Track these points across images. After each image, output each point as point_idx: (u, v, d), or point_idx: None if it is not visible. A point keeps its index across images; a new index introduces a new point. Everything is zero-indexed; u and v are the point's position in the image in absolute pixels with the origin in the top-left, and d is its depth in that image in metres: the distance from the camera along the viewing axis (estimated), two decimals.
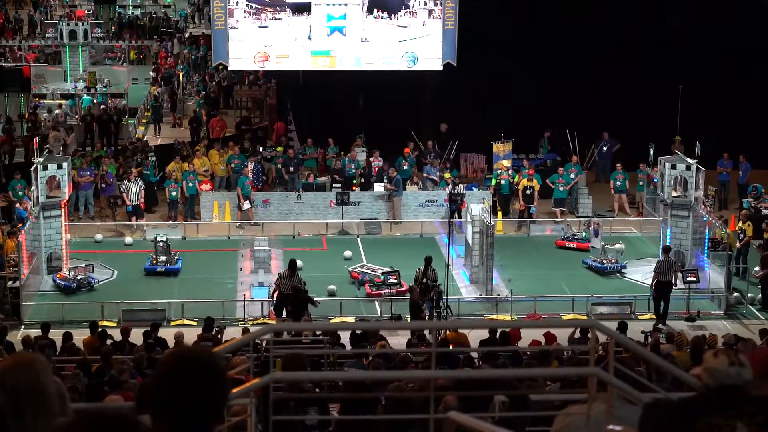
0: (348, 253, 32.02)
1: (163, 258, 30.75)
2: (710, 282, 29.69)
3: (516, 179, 35.78)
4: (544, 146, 39.33)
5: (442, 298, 26.41)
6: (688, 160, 30.89)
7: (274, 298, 26.90)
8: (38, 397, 4.36)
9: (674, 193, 30.79)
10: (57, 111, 41.99)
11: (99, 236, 33.61)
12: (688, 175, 30.54)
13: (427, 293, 26.85)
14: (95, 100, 43.11)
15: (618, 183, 36.36)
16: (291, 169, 36.94)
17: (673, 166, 30.87)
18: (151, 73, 49.25)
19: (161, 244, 30.97)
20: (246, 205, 34.63)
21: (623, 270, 31.07)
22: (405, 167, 37.10)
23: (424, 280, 27.08)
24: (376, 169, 36.44)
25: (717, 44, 38.14)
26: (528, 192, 34.99)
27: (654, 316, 27.15)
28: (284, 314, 26.32)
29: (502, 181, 35.66)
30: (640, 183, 36.55)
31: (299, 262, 28.24)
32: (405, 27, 37.17)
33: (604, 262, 31.15)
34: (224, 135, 40.98)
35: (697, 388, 6.19)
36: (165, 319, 26.61)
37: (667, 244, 30.09)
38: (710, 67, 38.29)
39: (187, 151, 37.90)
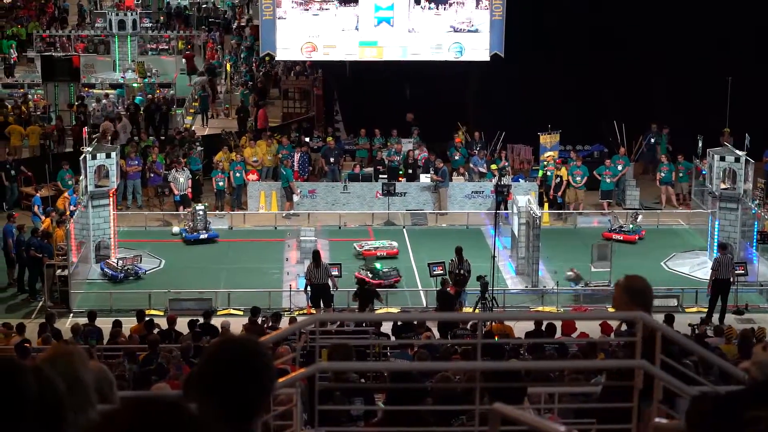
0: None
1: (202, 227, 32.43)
2: (759, 275, 29.45)
3: (563, 170, 35.63)
4: (662, 142, 38.18)
5: (488, 290, 26.36)
6: (737, 152, 30.64)
7: (308, 292, 26.91)
8: (76, 389, 4.38)
9: (723, 186, 30.55)
10: (104, 101, 42.28)
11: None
12: (737, 167, 30.29)
13: (463, 284, 26.84)
14: (148, 94, 43.28)
15: (663, 174, 36.11)
16: (332, 159, 36.93)
17: (722, 158, 30.63)
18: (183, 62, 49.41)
19: (200, 213, 32.33)
20: (295, 198, 34.68)
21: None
22: (457, 157, 37.05)
23: (460, 271, 27.05)
24: (423, 160, 36.35)
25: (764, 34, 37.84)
26: (557, 181, 34.88)
27: (703, 310, 26.90)
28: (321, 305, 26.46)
29: (548, 173, 35.52)
30: (681, 175, 36.23)
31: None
32: (452, 18, 37.11)
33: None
34: (268, 125, 41.09)
35: (744, 381, 6.15)
36: (212, 309, 26.73)
37: (723, 241, 29.73)
38: (759, 58, 37.89)
39: (234, 141, 38.04)
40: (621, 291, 7.51)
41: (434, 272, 27.81)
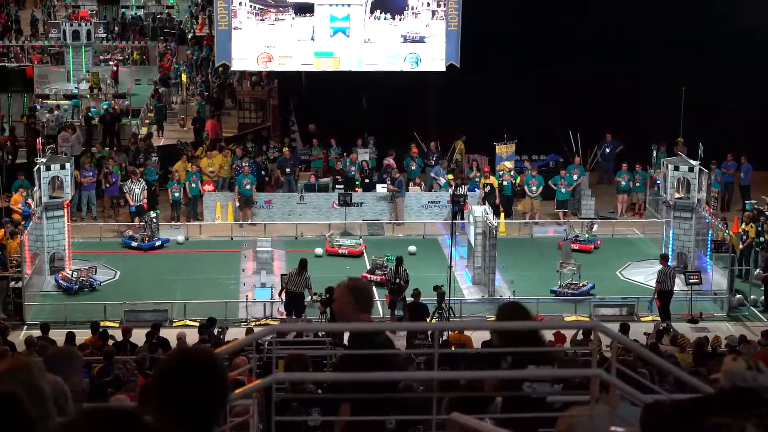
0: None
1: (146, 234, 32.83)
2: (713, 284, 29.66)
3: (518, 180, 35.77)
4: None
5: (444, 299, 26.40)
6: (691, 161, 30.89)
7: (283, 298, 26.95)
8: (36, 400, 4.36)
9: (677, 195, 30.78)
10: (57, 112, 42.00)
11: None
12: (691, 176, 30.54)
13: (399, 293, 26.95)
14: (103, 105, 42.94)
15: (623, 183, 36.33)
16: (287, 170, 36.85)
17: (676, 168, 30.87)
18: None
19: (154, 221, 32.75)
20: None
21: (592, 291, 29.52)
22: (413, 167, 37.11)
23: (396, 281, 27.14)
24: (391, 166, 36.39)
25: (719, 44, 38.19)
26: (486, 190, 34.97)
27: (658, 318, 27.08)
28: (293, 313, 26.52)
29: (505, 182, 35.61)
30: (637, 185, 36.48)
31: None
32: (408, 28, 37.18)
33: (573, 287, 29.51)
34: (222, 136, 40.93)
35: (701, 389, 6.20)
36: (167, 320, 26.61)
37: (666, 252, 29.94)
38: (712, 68, 38.19)
39: (191, 151, 37.89)
40: (344, 292, 7.61)
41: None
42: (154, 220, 32.86)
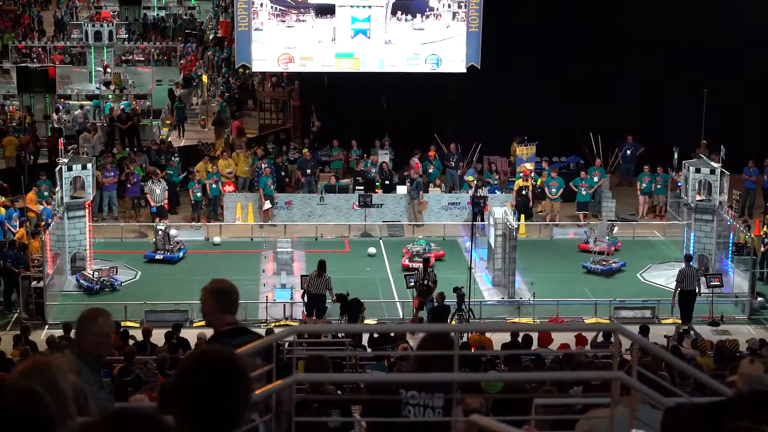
0: (372, 250, 32.20)
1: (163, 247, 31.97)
2: (734, 286, 29.54)
3: (539, 182, 35.71)
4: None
5: (464, 301, 26.39)
6: (713, 164, 30.78)
7: (304, 300, 26.99)
8: (57, 400, 4.37)
9: (698, 197, 30.68)
10: (77, 112, 42.16)
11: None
12: (713, 179, 30.43)
13: (428, 294, 26.91)
14: (121, 105, 43.05)
15: (644, 185, 36.25)
16: (308, 171, 36.89)
17: (698, 170, 30.76)
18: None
19: (160, 233, 31.86)
20: (266, 205, 34.66)
21: (623, 268, 31.46)
22: (431, 170, 37.10)
23: (425, 282, 27.11)
24: (415, 166, 36.48)
25: (744, 45, 38.05)
26: (523, 192, 34.97)
27: (679, 321, 26.99)
28: (314, 315, 26.53)
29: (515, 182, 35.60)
30: (658, 187, 36.38)
31: None
32: (429, 29, 37.18)
33: (604, 263, 31.28)
34: (245, 137, 41.00)
35: (722, 393, 6.17)
36: (188, 320, 26.64)
37: (689, 252, 29.91)
38: (737, 69, 38.08)
39: (213, 152, 37.99)
40: (206, 295, 7.62)
41: (410, 284, 27.86)
42: (160, 231, 32.23)
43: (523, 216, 34.50)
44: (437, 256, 31.10)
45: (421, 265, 28.01)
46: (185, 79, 48.36)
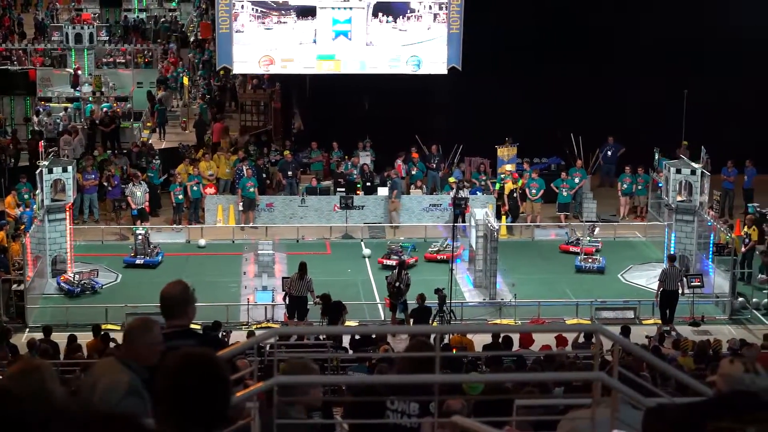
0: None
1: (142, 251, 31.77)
2: (715, 287, 29.64)
3: (520, 183, 35.73)
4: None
5: (445, 302, 26.41)
6: (693, 164, 30.87)
7: (286, 302, 26.98)
8: (43, 403, 4.36)
9: (679, 198, 30.76)
10: (60, 114, 42.01)
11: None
12: (693, 179, 30.51)
13: (399, 297, 26.98)
14: (103, 108, 42.92)
15: (625, 186, 36.32)
16: (289, 173, 36.83)
17: (678, 171, 30.85)
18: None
19: (140, 237, 31.70)
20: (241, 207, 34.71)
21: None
22: (414, 171, 37.10)
23: (397, 284, 27.16)
24: (398, 168, 36.55)
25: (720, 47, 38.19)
26: (514, 195, 35.01)
27: (659, 322, 27.07)
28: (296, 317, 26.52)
29: (506, 185, 35.61)
30: (639, 188, 36.45)
31: None
32: (410, 31, 37.19)
33: (594, 261, 31.62)
34: (227, 139, 40.93)
35: (703, 393, 6.18)
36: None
37: (672, 252, 30.01)
38: (714, 70, 38.21)
39: (192, 154, 37.90)
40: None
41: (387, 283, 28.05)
42: (140, 235, 32.07)
43: (511, 218, 34.63)
44: (409, 262, 31.01)
45: (397, 266, 28.12)
46: (159, 81, 48.14)
